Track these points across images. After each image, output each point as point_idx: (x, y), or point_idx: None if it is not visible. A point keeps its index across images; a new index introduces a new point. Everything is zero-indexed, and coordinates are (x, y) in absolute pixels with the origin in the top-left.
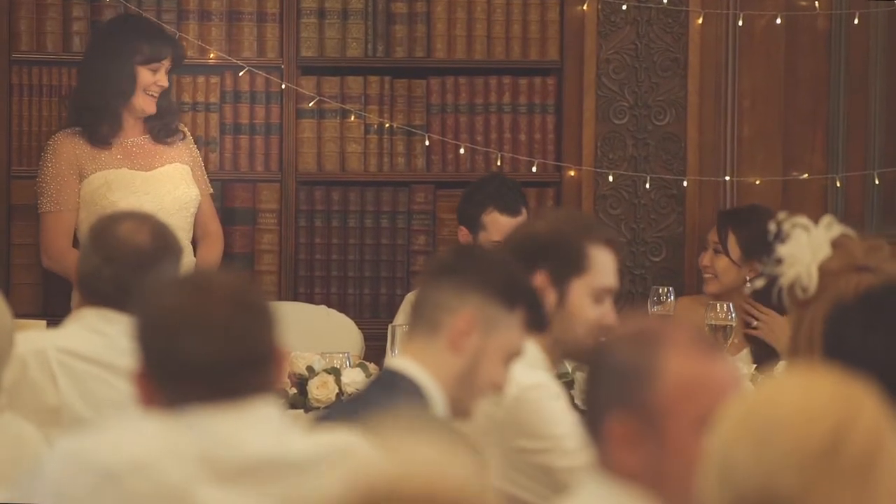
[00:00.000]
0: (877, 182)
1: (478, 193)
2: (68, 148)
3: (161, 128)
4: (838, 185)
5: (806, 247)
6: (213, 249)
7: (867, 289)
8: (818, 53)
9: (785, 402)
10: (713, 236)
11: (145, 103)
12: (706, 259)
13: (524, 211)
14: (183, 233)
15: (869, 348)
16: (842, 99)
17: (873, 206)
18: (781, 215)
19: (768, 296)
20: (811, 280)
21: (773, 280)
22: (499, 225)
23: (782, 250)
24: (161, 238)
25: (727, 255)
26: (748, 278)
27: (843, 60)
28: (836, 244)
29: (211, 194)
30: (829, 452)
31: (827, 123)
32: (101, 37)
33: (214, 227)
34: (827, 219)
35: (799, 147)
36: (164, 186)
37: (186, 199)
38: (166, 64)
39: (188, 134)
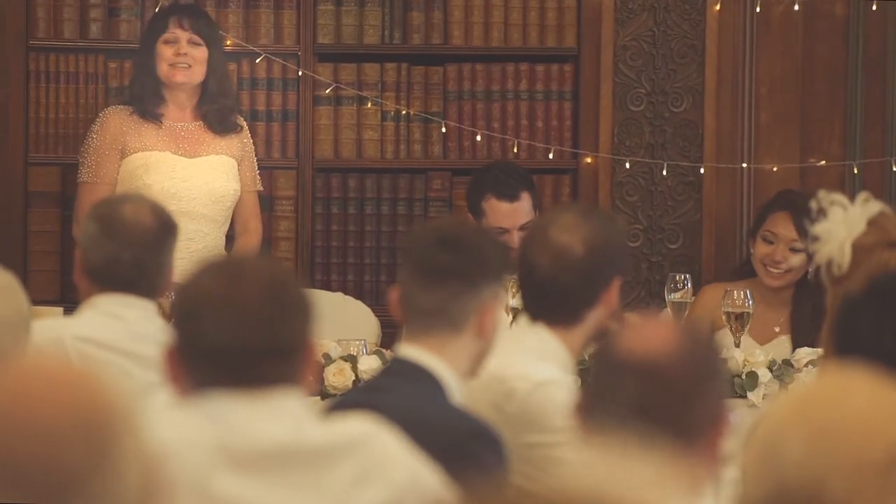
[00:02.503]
0: (894, 169)
1: (478, 181)
2: (115, 123)
3: (215, 114)
4: (856, 171)
5: (841, 223)
6: (250, 244)
7: (876, 279)
8: (836, 40)
9: (850, 405)
10: (789, 233)
11: (171, 74)
12: (780, 255)
13: (525, 196)
14: (216, 225)
15: (882, 337)
16: (859, 86)
17: (891, 193)
18: (821, 193)
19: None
20: (844, 257)
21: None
22: (496, 211)
23: (818, 228)
24: (161, 215)
25: (806, 252)
26: (809, 269)
27: (860, 47)
28: (871, 221)
29: (259, 191)
30: (884, 470)
31: (845, 110)
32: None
33: (255, 224)
34: (864, 195)
35: (816, 134)
36: (203, 176)
37: (223, 192)
38: (184, 35)
39: (245, 127)
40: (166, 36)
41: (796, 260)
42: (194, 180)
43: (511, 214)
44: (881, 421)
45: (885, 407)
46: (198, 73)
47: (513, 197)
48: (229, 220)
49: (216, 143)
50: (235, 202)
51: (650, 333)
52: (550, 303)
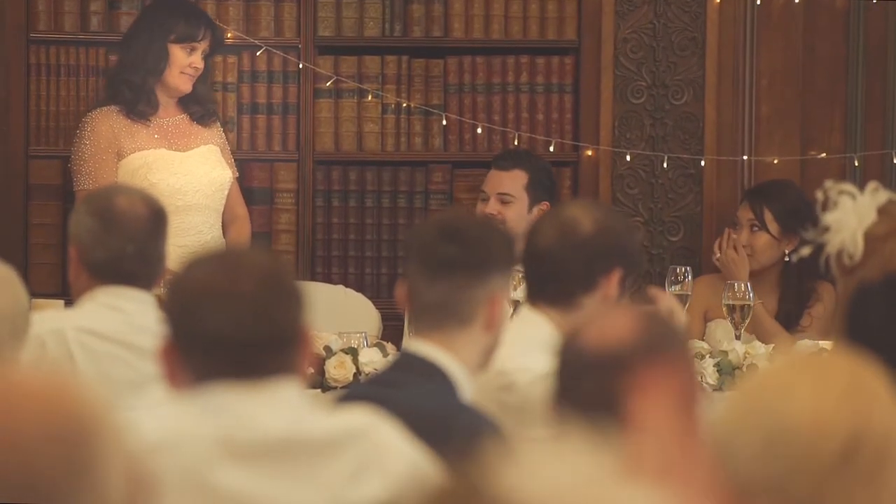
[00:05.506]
0: (895, 161)
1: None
2: (106, 126)
3: (203, 114)
4: (856, 164)
5: (852, 213)
6: (242, 233)
7: (890, 268)
8: (836, 32)
9: (796, 404)
10: (746, 214)
11: (181, 82)
12: (743, 238)
13: (517, 172)
14: (217, 215)
15: (891, 328)
16: (860, 78)
17: (892, 186)
18: (828, 183)
19: (814, 265)
20: (856, 247)
21: (819, 248)
22: (488, 178)
23: (828, 217)
24: (153, 204)
25: (767, 231)
26: (787, 252)
27: (861, 39)
28: (881, 210)
29: (237, 177)
30: (843, 462)
31: (845, 103)
32: (141, 15)
33: (242, 210)
34: (873, 184)
35: (817, 126)
36: (200, 167)
37: (221, 180)
38: (202, 46)
39: (219, 115)
40: (191, 45)
41: (759, 241)
42: (194, 173)
43: (493, 180)
44: (828, 415)
45: (829, 398)
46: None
47: (503, 167)
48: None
49: (201, 133)
50: (227, 189)
51: (609, 325)
52: (548, 278)
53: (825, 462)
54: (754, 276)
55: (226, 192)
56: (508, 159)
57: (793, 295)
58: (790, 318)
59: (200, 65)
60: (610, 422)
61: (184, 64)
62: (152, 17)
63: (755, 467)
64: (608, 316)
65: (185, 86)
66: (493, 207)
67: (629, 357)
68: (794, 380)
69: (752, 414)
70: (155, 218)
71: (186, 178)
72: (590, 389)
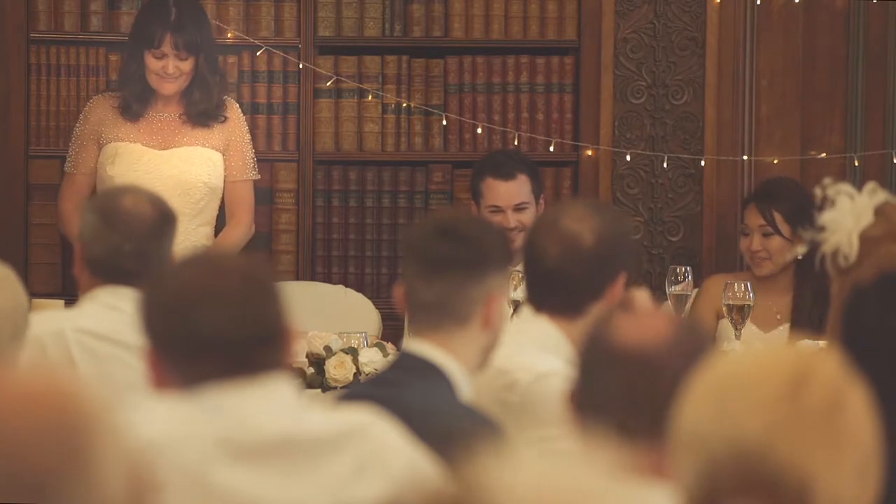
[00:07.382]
0: (895, 161)
1: (479, 164)
2: (97, 112)
3: (199, 115)
4: (856, 164)
5: (849, 213)
6: (230, 234)
7: (886, 271)
8: (836, 32)
9: (744, 361)
10: (757, 221)
11: (157, 84)
12: (756, 244)
13: (522, 178)
14: (185, 218)
15: (886, 328)
16: (860, 78)
17: (892, 185)
18: (826, 181)
19: (811, 264)
20: (851, 247)
21: (816, 247)
22: (493, 190)
23: (825, 217)
24: (161, 205)
25: (780, 234)
26: (798, 252)
27: (861, 39)
28: (878, 211)
29: (255, 180)
30: (791, 397)
31: (845, 102)
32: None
33: (240, 214)
34: (871, 185)
35: (817, 126)
36: (171, 168)
37: (192, 184)
38: (169, 51)
39: (232, 118)
40: (156, 52)
41: (774, 244)
42: (158, 172)
43: (505, 193)
44: (773, 363)
45: (776, 353)
46: (185, 81)
47: (508, 176)
48: (207, 213)
49: (195, 134)
50: (210, 195)
51: (642, 324)
52: (556, 293)
53: (771, 399)
54: (769, 277)
55: (198, 198)
56: (508, 166)
57: (808, 294)
58: (810, 318)
59: (174, 69)
60: (631, 420)
61: (155, 68)
62: (136, 19)
63: (713, 426)
64: (643, 317)
65: (162, 89)
66: (513, 220)
67: (662, 359)
68: (744, 350)
69: (706, 383)
70: (160, 219)
71: (147, 176)
72: (615, 385)
